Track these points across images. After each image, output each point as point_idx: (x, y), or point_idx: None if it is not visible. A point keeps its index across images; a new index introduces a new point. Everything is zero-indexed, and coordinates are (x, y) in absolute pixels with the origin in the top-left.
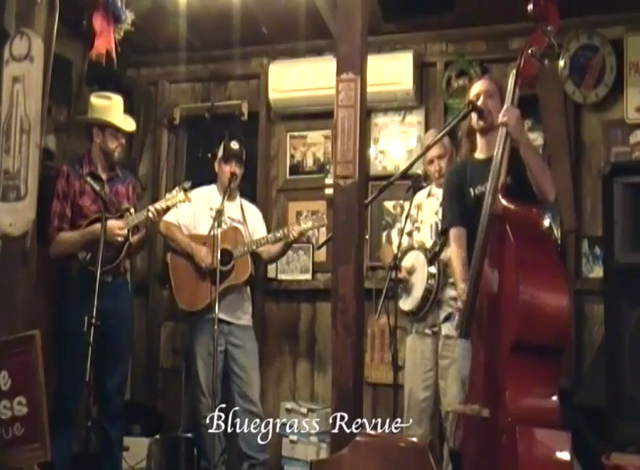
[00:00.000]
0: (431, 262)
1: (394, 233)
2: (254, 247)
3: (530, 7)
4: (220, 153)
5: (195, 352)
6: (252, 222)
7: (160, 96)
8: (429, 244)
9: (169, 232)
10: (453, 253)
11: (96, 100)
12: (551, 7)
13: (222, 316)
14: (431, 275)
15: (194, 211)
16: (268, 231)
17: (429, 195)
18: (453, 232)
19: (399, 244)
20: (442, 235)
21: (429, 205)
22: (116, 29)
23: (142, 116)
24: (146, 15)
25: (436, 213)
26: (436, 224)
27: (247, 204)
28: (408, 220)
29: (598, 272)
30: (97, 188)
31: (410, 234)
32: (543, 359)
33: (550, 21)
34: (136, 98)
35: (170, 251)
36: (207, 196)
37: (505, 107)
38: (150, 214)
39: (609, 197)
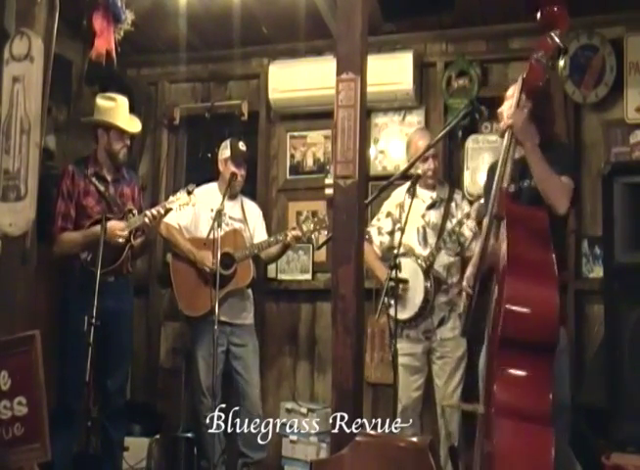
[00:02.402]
0: (426, 272)
1: (374, 232)
2: (256, 251)
3: (539, 14)
4: (227, 153)
5: (196, 352)
6: (253, 221)
7: (160, 96)
8: (417, 249)
9: (170, 235)
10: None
11: (101, 101)
12: (560, 12)
13: (224, 318)
14: (427, 282)
15: (194, 212)
16: (267, 229)
17: (413, 195)
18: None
19: (399, 242)
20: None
21: (414, 207)
22: (116, 29)
23: (142, 116)
24: (146, 15)
25: (423, 217)
26: (424, 228)
27: (247, 202)
28: (389, 219)
29: (598, 272)
30: (101, 189)
31: (391, 234)
32: (531, 357)
33: (559, 25)
34: (136, 98)
35: (171, 253)
36: (209, 196)
37: (512, 109)
38: (146, 219)
39: (609, 197)
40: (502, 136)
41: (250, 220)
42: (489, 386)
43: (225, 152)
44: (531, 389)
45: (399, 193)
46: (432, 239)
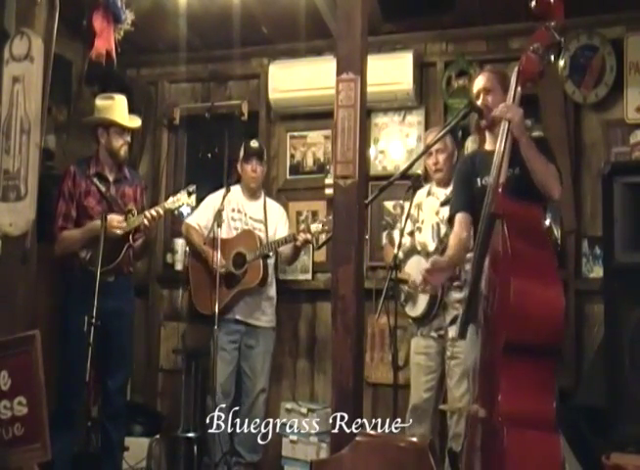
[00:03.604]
0: None
1: (396, 234)
2: (266, 251)
3: (533, 3)
4: (242, 153)
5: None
6: (274, 222)
7: (160, 96)
8: (430, 245)
9: (188, 235)
10: (453, 233)
11: (99, 101)
12: (555, 2)
13: (239, 317)
14: None
15: (215, 213)
16: None
17: (428, 194)
18: (458, 216)
19: (399, 244)
20: (449, 223)
21: (429, 204)
22: (116, 29)
23: (142, 116)
24: (146, 15)
25: (437, 214)
26: (437, 225)
27: (271, 203)
28: (409, 220)
29: (598, 272)
30: (102, 189)
31: (412, 234)
32: (537, 360)
33: (553, 16)
34: (136, 98)
35: (189, 254)
36: (231, 196)
37: (507, 103)
38: (145, 220)
39: (609, 197)
40: (481, 133)
41: (270, 221)
42: (492, 390)
43: (241, 153)
44: (538, 394)
45: (420, 194)
46: None
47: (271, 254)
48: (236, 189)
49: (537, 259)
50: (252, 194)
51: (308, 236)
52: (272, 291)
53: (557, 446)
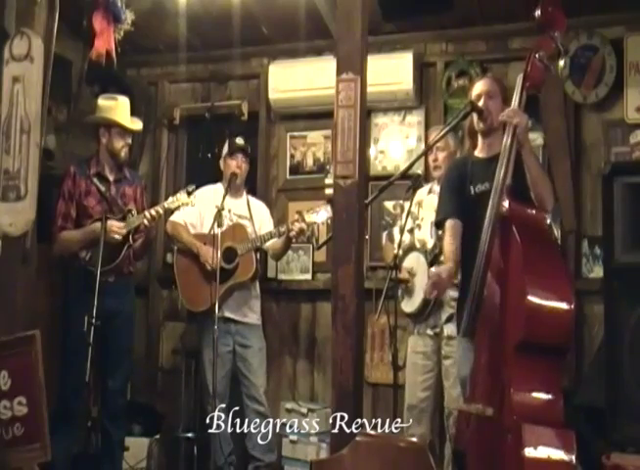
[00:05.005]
0: (431, 264)
1: (396, 231)
2: (259, 243)
3: (538, 13)
4: (226, 149)
5: (203, 352)
6: (259, 218)
7: (160, 96)
8: (429, 243)
9: (175, 232)
10: (446, 242)
11: (102, 101)
12: (558, 12)
13: (229, 315)
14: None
15: (199, 210)
16: None
17: (429, 192)
18: (449, 223)
19: (400, 242)
20: (437, 227)
21: (429, 202)
22: (116, 29)
23: (142, 116)
24: (146, 15)
25: None
26: None
27: (253, 200)
28: (409, 218)
29: (598, 272)
30: (102, 189)
31: (411, 231)
32: (548, 359)
33: (557, 26)
34: (136, 98)
35: (175, 251)
36: (213, 194)
37: (514, 107)
38: (145, 220)
39: (609, 197)
40: (473, 137)
41: (255, 217)
42: (502, 389)
43: (224, 150)
44: (549, 392)
45: (421, 192)
46: None
47: (264, 245)
48: (218, 187)
49: (548, 260)
50: (235, 191)
51: (303, 225)
52: (258, 288)
53: (572, 441)
